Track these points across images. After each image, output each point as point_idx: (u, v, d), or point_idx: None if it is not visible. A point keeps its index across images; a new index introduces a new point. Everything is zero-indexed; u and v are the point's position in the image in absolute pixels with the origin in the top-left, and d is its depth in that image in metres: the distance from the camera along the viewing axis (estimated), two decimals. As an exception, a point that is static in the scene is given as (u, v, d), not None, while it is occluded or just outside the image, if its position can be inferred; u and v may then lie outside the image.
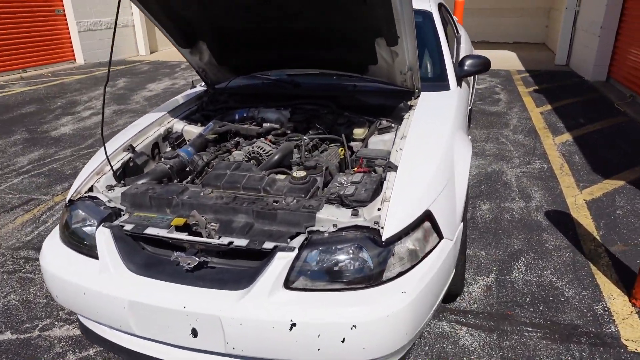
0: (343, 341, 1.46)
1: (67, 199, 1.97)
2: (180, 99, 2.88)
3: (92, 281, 1.69)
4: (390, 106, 2.52)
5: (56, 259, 1.83)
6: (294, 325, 1.46)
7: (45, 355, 2.15)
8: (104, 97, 1.85)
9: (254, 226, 1.70)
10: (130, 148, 2.25)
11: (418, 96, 2.52)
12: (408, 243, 1.62)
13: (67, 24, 10.32)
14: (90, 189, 2.02)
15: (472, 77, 4.08)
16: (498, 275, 2.56)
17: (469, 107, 3.92)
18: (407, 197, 1.70)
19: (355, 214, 1.66)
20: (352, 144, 2.34)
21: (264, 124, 2.49)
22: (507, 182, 3.75)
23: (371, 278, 1.54)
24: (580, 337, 2.12)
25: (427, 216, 1.70)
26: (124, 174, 2.17)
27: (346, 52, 2.39)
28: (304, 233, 1.62)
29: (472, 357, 2.03)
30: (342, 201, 1.74)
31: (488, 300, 2.37)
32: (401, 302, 1.50)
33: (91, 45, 10.65)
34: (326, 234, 1.60)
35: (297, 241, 1.59)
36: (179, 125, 2.57)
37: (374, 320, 1.46)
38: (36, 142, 5.10)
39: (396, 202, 1.67)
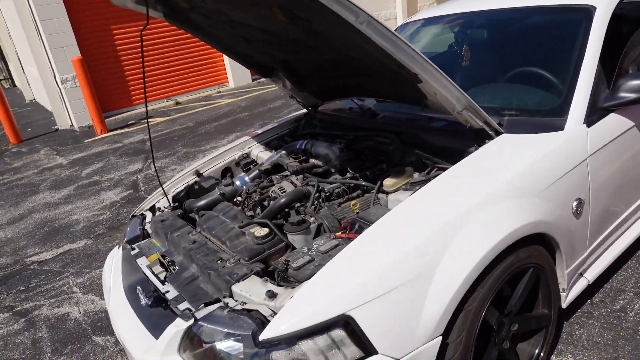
0: None
1: (132, 214, 2.41)
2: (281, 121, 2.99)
3: (107, 293, 2.04)
4: (455, 149, 1.98)
5: (110, 259, 2.25)
6: (167, 395, 1.44)
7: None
8: (149, 134, 2.14)
9: (196, 280, 1.71)
10: (196, 172, 2.53)
11: (495, 137, 1.87)
12: (296, 351, 1.32)
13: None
14: (153, 208, 2.41)
15: None
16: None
17: None
18: (322, 290, 1.36)
19: (271, 296, 1.45)
20: (381, 195, 1.96)
21: (311, 160, 2.34)
22: None
23: (237, 380, 1.35)
24: None
25: (343, 322, 1.33)
26: (187, 196, 2.47)
27: (390, 83, 1.99)
28: (214, 302, 1.53)
29: None
30: (277, 274, 1.56)
31: None
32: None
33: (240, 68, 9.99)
34: (225, 312, 1.47)
35: (208, 309, 1.52)
36: (255, 151, 2.69)
37: None
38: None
39: (305, 293, 1.37)
